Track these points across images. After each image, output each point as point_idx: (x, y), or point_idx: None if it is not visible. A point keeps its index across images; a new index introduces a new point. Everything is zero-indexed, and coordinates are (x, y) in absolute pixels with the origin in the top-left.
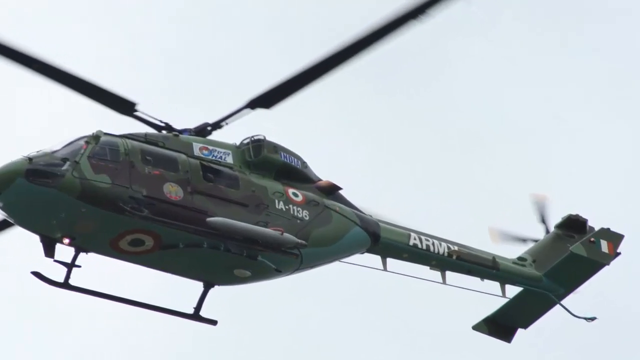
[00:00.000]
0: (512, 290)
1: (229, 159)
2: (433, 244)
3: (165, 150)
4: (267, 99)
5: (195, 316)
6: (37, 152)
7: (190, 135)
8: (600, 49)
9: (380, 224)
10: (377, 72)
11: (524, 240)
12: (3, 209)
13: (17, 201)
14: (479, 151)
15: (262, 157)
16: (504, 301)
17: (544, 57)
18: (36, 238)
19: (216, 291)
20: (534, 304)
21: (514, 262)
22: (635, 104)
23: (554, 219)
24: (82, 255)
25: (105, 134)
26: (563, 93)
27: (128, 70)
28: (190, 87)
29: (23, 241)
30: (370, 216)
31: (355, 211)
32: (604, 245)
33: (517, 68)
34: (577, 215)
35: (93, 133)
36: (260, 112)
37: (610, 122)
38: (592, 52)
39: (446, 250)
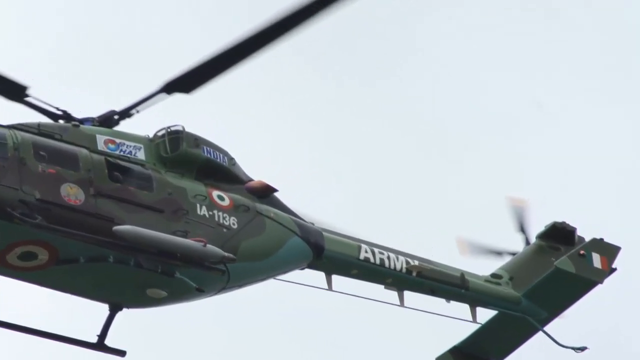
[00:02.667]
0: (485, 314)
1: (141, 155)
2: (388, 257)
3: (63, 143)
4: (186, 82)
5: (100, 345)
6: None
7: (94, 125)
8: (591, 24)
9: (325, 233)
10: (322, 51)
11: (499, 254)
12: None
13: None
14: (445, 146)
15: (180, 152)
16: (475, 327)
17: (523, 34)
18: None
19: (125, 314)
20: (510, 330)
21: (487, 280)
22: (634, 89)
23: (536, 228)
24: None
25: None
26: (546, 76)
27: (17, 48)
28: (93, 68)
29: None
30: (312, 224)
31: (294, 218)
32: (597, 260)
33: (493, 47)
34: (563, 223)
35: None
36: (178, 97)
37: (604, 111)
38: (581, 28)
39: (404, 265)
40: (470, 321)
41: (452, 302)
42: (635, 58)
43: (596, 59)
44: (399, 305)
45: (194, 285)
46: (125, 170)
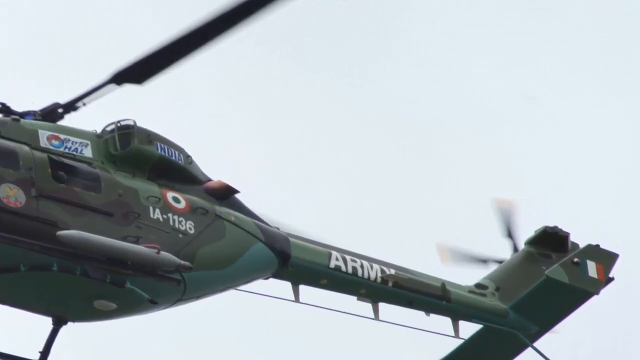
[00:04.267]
0: (469, 328)
1: (87, 152)
2: (362, 266)
3: (2, 140)
4: (138, 72)
5: None
6: None
7: (35, 119)
8: (583, 18)
9: (291, 239)
10: (289, 37)
11: (484, 261)
12: None
13: None
14: (425, 143)
15: (131, 149)
16: (457, 342)
17: (514, 23)
18: None
19: (70, 329)
20: (497, 346)
21: (471, 291)
22: (631, 86)
23: (525, 233)
24: None
25: None
26: (535, 69)
27: None
28: (35, 56)
29: None
30: (278, 229)
31: (257, 222)
32: (592, 268)
33: (480, 36)
34: (555, 228)
35: None
36: (128, 88)
37: (599, 106)
38: (580, 16)
39: (379, 274)
40: (453, 336)
41: (432, 315)
42: (635, 54)
43: (593, 53)
44: (373, 319)
45: (147, 296)
46: (70, 169)
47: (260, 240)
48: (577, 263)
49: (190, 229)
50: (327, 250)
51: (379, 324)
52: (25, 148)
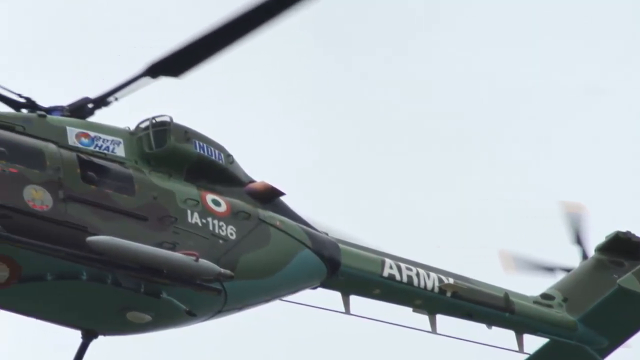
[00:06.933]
0: (534, 342)
1: (120, 151)
2: (418, 274)
3: (27, 137)
4: (175, 64)
5: None
6: None
7: (63, 115)
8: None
9: (341, 245)
10: (333, 30)
11: (550, 270)
12: None
13: None
14: (484, 141)
15: (167, 147)
16: (522, 358)
17: (545, 23)
18: None
19: (101, 342)
20: None
21: (536, 302)
22: None
23: (595, 239)
24: None
25: None
26: (606, 51)
27: None
28: (63, 47)
29: None
30: (326, 234)
31: (304, 227)
32: None
33: (537, 19)
34: (628, 233)
35: None
36: (164, 82)
37: None
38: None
39: (437, 283)
40: (516, 351)
41: (494, 328)
42: None
43: None
44: (430, 332)
45: (184, 307)
46: (101, 170)
47: (307, 246)
48: None
49: (231, 234)
50: (380, 257)
51: (436, 338)
52: (52, 147)
